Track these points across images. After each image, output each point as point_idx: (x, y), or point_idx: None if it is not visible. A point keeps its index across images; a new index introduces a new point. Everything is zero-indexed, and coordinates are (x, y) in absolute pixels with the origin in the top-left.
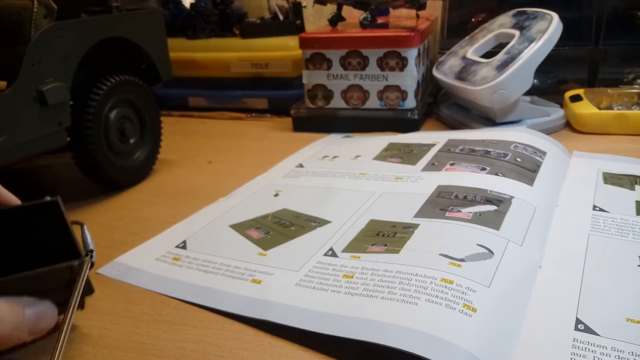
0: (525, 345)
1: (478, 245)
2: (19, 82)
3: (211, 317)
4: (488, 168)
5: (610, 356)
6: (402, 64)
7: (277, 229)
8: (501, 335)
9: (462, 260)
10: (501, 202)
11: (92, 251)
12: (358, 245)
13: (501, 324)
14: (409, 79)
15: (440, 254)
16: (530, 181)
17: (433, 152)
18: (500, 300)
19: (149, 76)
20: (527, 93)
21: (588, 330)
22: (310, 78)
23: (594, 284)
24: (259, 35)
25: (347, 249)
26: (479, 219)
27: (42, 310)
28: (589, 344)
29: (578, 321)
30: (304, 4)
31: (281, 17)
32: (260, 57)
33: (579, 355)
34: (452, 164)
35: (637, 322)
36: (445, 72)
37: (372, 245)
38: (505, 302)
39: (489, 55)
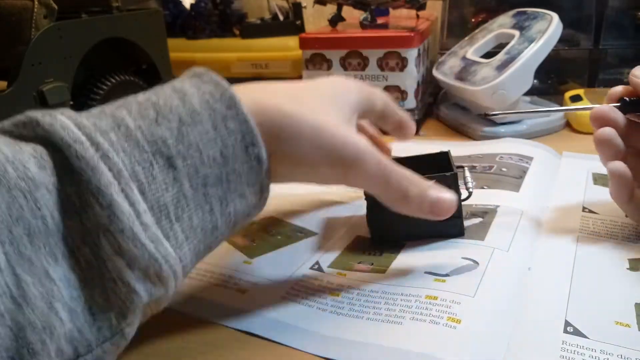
0: (514, 348)
1: (463, 258)
2: (20, 82)
3: None
4: (474, 183)
5: (599, 359)
6: (402, 64)
7: (262, 236)
8: (488, 341)
9: (446, 275)
10: (486, 214)
11: (471, 191)
12: (344, 262)
13: (488, 330)
14: (409, 79)
15: (426, 272)
16: (516, 188)
17: None
18: (485, 308)
19: (149, 76)
20: (527, 93)
21: (577, 332)
22: (311, 78)
23: (583, 287)
24: (259, 35)
25: (333, 265)
26: (465, 233)
27: (444, 195)
28: (578, 346)
29: (567, 324)
30: (304, 4)
31: (281, 18)
32: (260, 58)
33: (567, 357)
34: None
35: (625, 325)
36: (445, 72)
37: (359, 263)
38: (491, 308)
39: (489, 55)
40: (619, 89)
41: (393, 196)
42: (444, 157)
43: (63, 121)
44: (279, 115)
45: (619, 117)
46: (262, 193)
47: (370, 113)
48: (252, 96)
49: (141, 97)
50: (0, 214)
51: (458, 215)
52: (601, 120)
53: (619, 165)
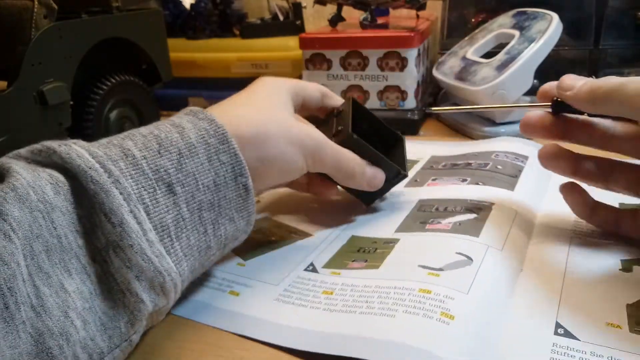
0: (505, 350)
1: (457, 253)
2: (20, 82)
3: None
4: (469, 179)
5: None
6: (402, 64)
7: (256, 238)
8: (480, 340)
9: (440, 269)
10: (481, 210)
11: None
12: (339, 261)
13: (480, 329)
14: (409, 79)
15: (419, 266)
16: (511, 186)
17: (416, 169)
18: (479, 306)
19: (149, 76)
20: (527, 93)
21: (568, 334)
22: (310, 78)
23: (574, 288)
24: (259, 35)
25: (327, 265)
26: (459, 228)
27: (378, 172)
28: (568, 348)
29: (558, 325)
30: (304, 4)
31: (281, 18)
32: (260, 58)
33: None
34: (434, 180)
35: (617, 327)
36: (445, 72)
37: (353, 261)
38: (484, 307)
39: (489, 55)
40: (549, 87)
41: (343, 175)
42: (398, 138)
43: (78, 150)
44: (256, 128)
45: (549, 122)
46: (249, 218)
47: (308, 104)
48: (230, 120)
49: (144, 130)
50: (23, 232)
51: (379, 193)
52: (531, 129)
53: (570, 188)
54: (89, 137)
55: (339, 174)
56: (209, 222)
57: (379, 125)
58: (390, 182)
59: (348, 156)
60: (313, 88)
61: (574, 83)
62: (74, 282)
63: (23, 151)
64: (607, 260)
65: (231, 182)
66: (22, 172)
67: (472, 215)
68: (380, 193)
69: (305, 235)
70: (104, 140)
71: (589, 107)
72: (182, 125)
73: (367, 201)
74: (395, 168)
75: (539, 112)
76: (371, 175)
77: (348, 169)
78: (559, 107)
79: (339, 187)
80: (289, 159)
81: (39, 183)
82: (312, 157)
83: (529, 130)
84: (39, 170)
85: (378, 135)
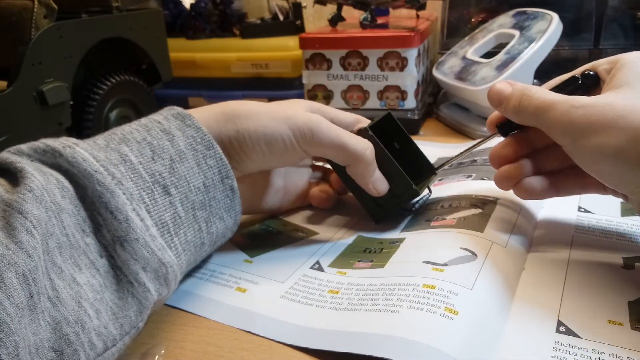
0: (507, 347)
1: (461, 248)
2: (20, 82)
3: None
4: (474, 174)
5: (590, 358)
6: (402, 64)
7: (263, 236)
8: (483, 337)
9: (445, 264)
10: (486, 205)
11: (430, 192)
12: (345, 261)
13: (483, 325)
14: (409, 79)
15: (424, 262)
16: None
17: None
18: (482, 303)
19: (149, 76)
20: None
21: (569, 332)
22: (310, 78)
23: (576, 286)
24: (259, 35)
25: (333, 264)
26: (463, 223)
27: (382, 178)
28: (570, 346)
29: (560, 323)
30: (304, 4)
31: (281, 18)
32: (260, 57)
33: (559, 357)
34: (440, 180)
35: (618, 324)
36: (445, 72)
37: (359, 261)
38: (487, 304)
39: (489, 55)
40: (493, 116)
41: (348, 157)
42: (429, 167)
43: (82, 153)
44: (237, 109)
45: (511, 151)
46: (236, 218)
47: (338, 125)
48: (215, 106)
49: (138, 135)
50: (41, 229)
51: (388, 208)
52: (499, 160)
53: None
54: (89, 137)
55: (342, 155)
56: (203, 220)
57: (415, 151)
58: (399, 197)
59: (353, 137)
60: (346, 114)
61: (501, 95)
62: (84, 275)
63: (24, 147)
64: (609, 258)
65: (219, 184)
66: (36, 174)
67: (477, 210)
68: (389, 210)
69: (311, 233)
70: (101, 142)
71: (519, 122)
72: (171, 133)
73: (376, 217)
74: (407, 181)
75: (499, 146)
76: (378, 177)
77: (356, 150)
78: (504, 129)
79: (349, 193)
80: (274, 132)
81: (49, 186)
82: (301, 133)
83: (498, 162)
84: (46, 172)
85: (409, 161)
